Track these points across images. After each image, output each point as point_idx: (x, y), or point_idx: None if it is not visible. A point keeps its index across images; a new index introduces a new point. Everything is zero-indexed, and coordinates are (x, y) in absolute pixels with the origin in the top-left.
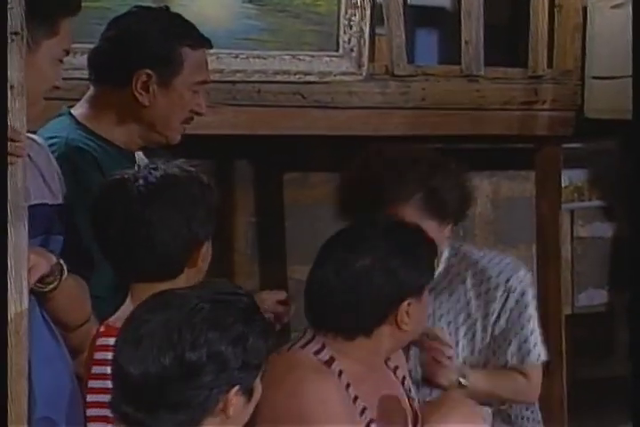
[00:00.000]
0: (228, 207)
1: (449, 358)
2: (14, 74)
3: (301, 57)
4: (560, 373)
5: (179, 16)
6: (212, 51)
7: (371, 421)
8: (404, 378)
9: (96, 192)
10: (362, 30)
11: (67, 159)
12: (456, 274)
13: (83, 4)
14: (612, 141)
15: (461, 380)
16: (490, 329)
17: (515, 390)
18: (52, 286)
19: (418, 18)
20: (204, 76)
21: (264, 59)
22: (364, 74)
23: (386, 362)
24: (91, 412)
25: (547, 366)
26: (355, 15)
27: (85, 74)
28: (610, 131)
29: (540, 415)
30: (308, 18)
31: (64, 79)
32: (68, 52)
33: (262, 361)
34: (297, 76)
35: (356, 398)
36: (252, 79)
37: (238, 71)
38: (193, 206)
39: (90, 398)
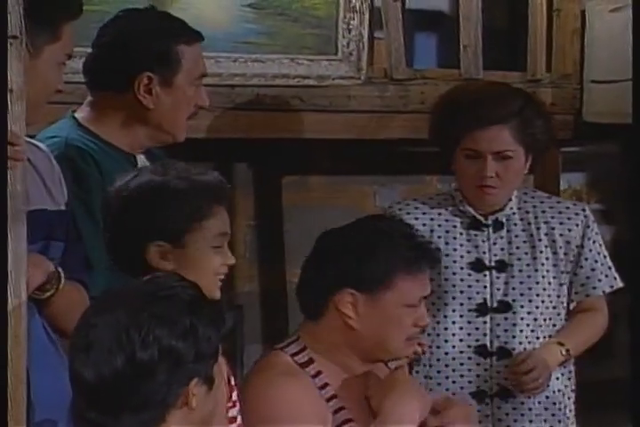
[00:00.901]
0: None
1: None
2: (14, 78)
3: (300, 61)
4: None
5: (167, 14)
6: (210, 54)
7: (347, 420)
8: None
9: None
10: (360, 34)
11: (66, 159)
12: (532, 206)
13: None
14: (611, 145)
15: (563, 351)
16: (573, 254)
17: (601, 329)
18: (48, 294)
19: (416, 21)
20: (202, 69)
21: (263, 62)
22: (363, 78)
23: (387, 364)
24: None
25: None
26: (353, 19)
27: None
28: (608, 134)
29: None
30: (307, 21)
31: (64, 83)
32: (70, 56)
33: (217, 348)
34: (296, 80)
35: (332, 398)
36: (251, 83)
37: (237, 75)
38: (155, 210)
39: None
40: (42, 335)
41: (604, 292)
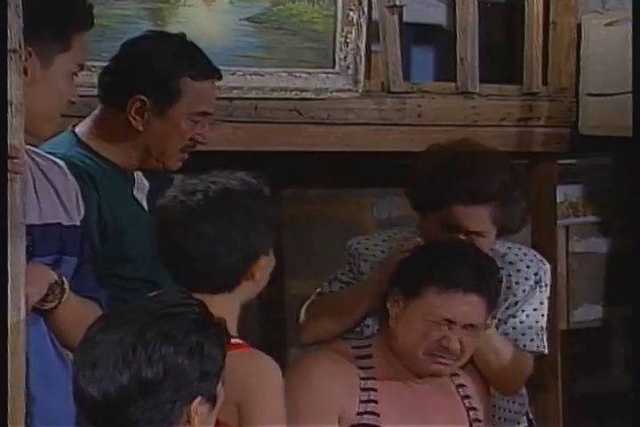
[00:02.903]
0: None
1: None
2: (13, 91)
3: (298, 74)
4: (555, 388)
5: (191, 44)
6: None
7: (374, 413)
8: (466, 396)
9: (159, 203)
10: (358, 47)
11: None
12: None
13: None
14: (607, 157)
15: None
16: (510, 320)
17: (520, 366)
18: (52, 305)
19: (413, 35)
20: (205, 107)
21: (261, 76)
22: (361, 90)
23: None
24: None
25: (542, 382)
26: (351, 33)
27: (85, 91)
28: (604, 147)
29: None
30: (305, 35)
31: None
32: (82, 67)
33: (221, 367)
34: (294, 93)
35: (368, 389)
36: (249, 96)
37: (235, 88)
38: (250, 220)
39: None
40: (48, 349)
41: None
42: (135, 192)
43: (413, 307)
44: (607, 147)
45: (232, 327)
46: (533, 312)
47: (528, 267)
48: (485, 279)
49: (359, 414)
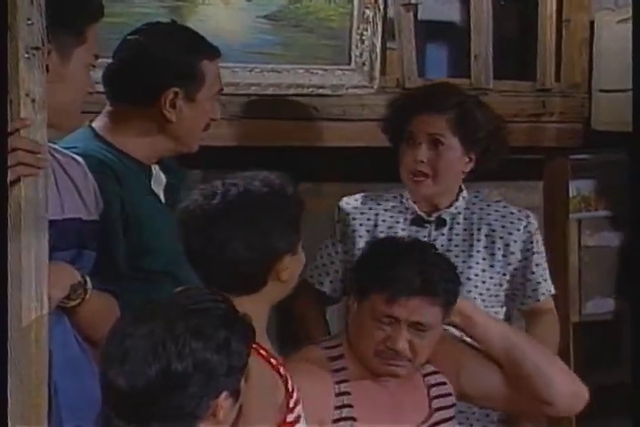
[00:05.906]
0: None
1: None
2: (35, 88)
3: (314, 71)
4: None
5: (189, 29)
6: (227, 64)
7: (350, 418)
8: (437, 397)
9: (180, 207)
10: (373, 44)
11: None
12: (478, 208)
13: (103, 20)
14: (619, 153)
15: None
16: (517, 259)
17: (555, 330)
18: (74, 303)
19: (428, 32)
20: (220, 84)
21: (278, 72)
22: (376, 87)
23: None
24: None
25: None
26: (366, 30)
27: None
28: (616, 142)
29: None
30: (322, 33)
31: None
32: (97, 57)
33: (246, 363)
34: (310, 90)
35: (344, 394)
36: (267, 92)
37: (253, 84)
38: (270, 221)
39: None
40: (73, 344)
41: (539, 300)
42: (153, 185)
43: (362, 308)
44: (619, 142)
45: (261, 329)
46: (531, 267)
47: (519, 211)
48: (433, 280)
49: (335, 421)
